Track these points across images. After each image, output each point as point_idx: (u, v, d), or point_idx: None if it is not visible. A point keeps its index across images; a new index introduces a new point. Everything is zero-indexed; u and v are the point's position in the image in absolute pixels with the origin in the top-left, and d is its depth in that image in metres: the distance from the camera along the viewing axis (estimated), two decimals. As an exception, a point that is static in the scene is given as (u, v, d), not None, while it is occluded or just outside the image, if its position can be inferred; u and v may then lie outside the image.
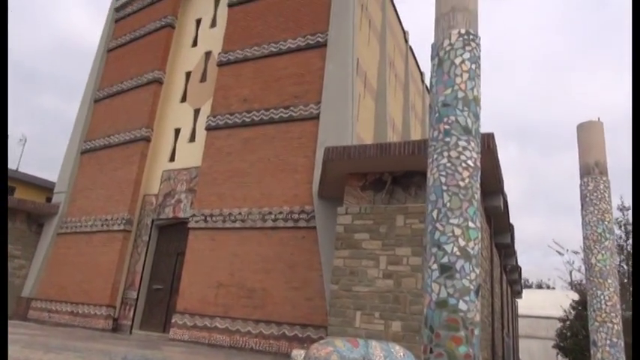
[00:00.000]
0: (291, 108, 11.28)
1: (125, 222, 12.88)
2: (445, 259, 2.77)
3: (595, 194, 6.03)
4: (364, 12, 13.00)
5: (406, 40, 18.04)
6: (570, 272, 17.10)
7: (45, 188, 18.80)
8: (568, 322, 15.77)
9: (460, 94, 3.09)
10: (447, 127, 3.04)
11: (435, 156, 3.04)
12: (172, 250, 12.52)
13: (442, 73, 3.20)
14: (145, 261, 12.62)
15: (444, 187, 2.91)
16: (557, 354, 16.38)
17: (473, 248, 2.80)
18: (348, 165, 8.31)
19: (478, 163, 3.01)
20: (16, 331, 9.42)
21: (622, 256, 12.11)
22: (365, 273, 7.72)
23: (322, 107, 10.78)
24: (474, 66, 3.17)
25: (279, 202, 10.63)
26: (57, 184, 15.48)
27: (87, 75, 16.65)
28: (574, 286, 17.11)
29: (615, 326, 5.66)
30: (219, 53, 13.09)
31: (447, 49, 3.23)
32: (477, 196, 2.93)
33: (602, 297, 5.69)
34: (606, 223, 5.93)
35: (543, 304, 25.09)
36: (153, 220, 12.98)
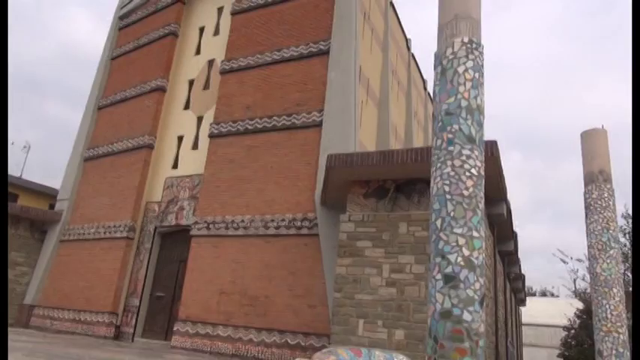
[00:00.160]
0: (294, 115, 11.29)
1: (128, 229, 12.88)
2: (449, 269, 2.74)
3: (599, 202, 6.00)
4: (366, 20, 13.06)
5: (408, 48, 18.09)
6: (574, 281, 16.98)
7: (48, 195, 18.83)
8: (573, 331, 15.63)
9: (463, 103, 3.08)
10: (450, 135, 3.03)
11: (439, 165, 3.02)
12: (175, 258, 12.50)
13: (445, 81, 3.19)
14: (147, 268, 12.61)
15: (448, 196, 2.89)
16: (562, 363, 16.22)
17: (477, 258, 2.77)
18: (351, 172, 8.29)
19: (482, 172, 2.99)
20: (18, 338, 9.40)
21: (627, 265, 12.01)
22: (368, 281, 7.68)
23: (325, 115, 10.79)
24: (477, 74, 3.17)
25: (282, 209, 10.61)
26: (60, 191, 15.51)
27: (91, 83, 16.74)
28: (578, 294, 16.98)
29: (621, 336, 5.60)
30: (222, 61, 13.14)
31: (450, 57, 3.23)
32: (481, 205, 2.92)
33: (607, 306, 5.64)
34: (611, 231, 5.89)
35: (547, 313, 24.91)
36: (155, 228, 12.98)
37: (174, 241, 12.69)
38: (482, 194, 2.95)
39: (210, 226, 11.39)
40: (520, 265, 15.34)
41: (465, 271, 2.72)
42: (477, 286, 2.73)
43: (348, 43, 11.22)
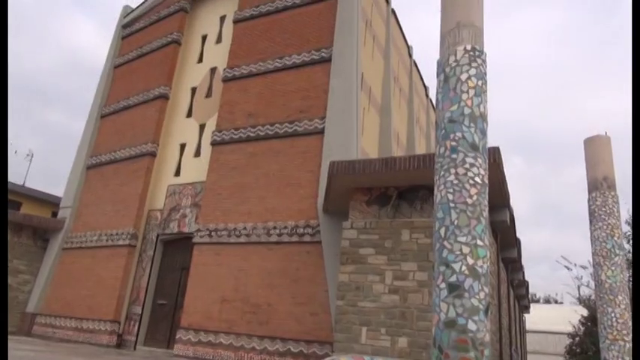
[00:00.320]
0: (296, 123, 11.31)
1: (130, 237, 12.87)
2: (453, 278, 2.72)
3: (604, 209, 5.97)
4: (368, 27, 13.11)
5: (410, 55, 18.14)
6: (579, 287, 16.88)
7: (51, 203, 18.87)
8: (577, 339, 15.50)
9: (467, 111, 3.07)
10: (453, 143, 3.01)
11: (442, 173, 3.01)
12: (177, 265, 12.48)
13: (448, 89, 3.18)
14: (149, 276, 12.58)
15: (452, 205, 2.87)
16: (567, 371, 16.08)
17: (481, 267, 2.75)
18: (353, 179, 8.28)
19: (486, 180, 2.98)
20: (20, 347, 9.37)
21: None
22: (371, 288, 7.64)
23: (327, 122, 10.81)
24: (480, 82, 3.16)
25: (284, 216, 10.60)
26: (63, 199, 15.53)
27: (94, 91, 16.81)
28: (583, 301, 16.86)
29: (627, 344, 5.55)
30: (225, 69, 13.20)
31: (453, 65, 3.22)
32: (485, 213, 2.90)
33: (612, 314, 5.59)
34: (615, 238, 5.85)
35: (551, 320, 24.75)
36: (158, 235, 12.97)
37: (177, 249, 12.67)
38: (486, 202, 2.94)
39: (213, 233, 11.38)
40: (523, 272, 15.28)
41: (469, 280, 2.70)
42: (482, 295, 2.71)
43: (350, 51, 11.25)
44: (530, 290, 21.64)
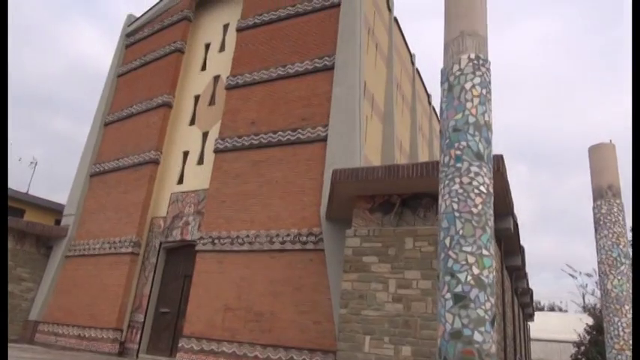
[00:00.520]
0: (299, 130, 11.31)
1: (133, 244, 12.86)
2: (459, 288, 2.69)
3: (609, 217, 5.92)
4: (371, 35, 13.14)
5: (413, 63, 18.17)
6: (584, 296, 16.75)
7: (54, 211, 18.87)
8: (583, 347, 15.37)
9: (471, 119, 3.05)
10: (458, 152, 2.99)
11: (447, 182, 2.99)
12: (180, 273, 12.45)
13: (452, 98, 3.17)
14: (152, 284, 12.54)
15: (457, 214, 2.85)
16: (572, 379, 15.92)
17: (487, 277, 2.72)
18: (356, 187, 8.26)
19: (491, 189, 2.95)
20: (22, 355, 9.34)
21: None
22: (374, 296, 7.59)
23: (330, 130, 10.80)
24: (484, 91, 3.15)
25: (287, 224, 10.57)
26: (66, 206, 15.55)
27: (98, 99, 16.90)
28: (588, 309, 16.72)
29: (634, 354, 5.48)
30: (228, 77, 13.24)
31: (457, 74, 3.21)
32: (491, 222, 2.87)
33: (619, 324, 5.53)
34: (621, 247, 5.80)
35: (556, 328, 24.55)
36: (161, 243, 12.95)
37: (180, 257, 12.64)
38: (491, 212, 2.91)
39: (215, 241, 11.36)
40: (528, 280, 15.17)
41: (475, 291, 2.67)
42: (488, 305, 2.68)
43: (353, 59, 11.27)
44: (535, 298, 21.48)
